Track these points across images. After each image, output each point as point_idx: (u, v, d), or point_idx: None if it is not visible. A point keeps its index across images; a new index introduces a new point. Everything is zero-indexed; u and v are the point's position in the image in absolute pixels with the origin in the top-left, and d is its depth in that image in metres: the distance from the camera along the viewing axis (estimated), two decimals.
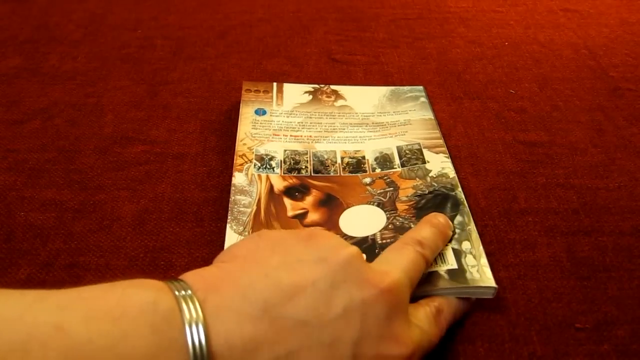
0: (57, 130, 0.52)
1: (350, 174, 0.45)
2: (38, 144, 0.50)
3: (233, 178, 0.44)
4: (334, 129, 0.50)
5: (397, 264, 0.31)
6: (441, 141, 0.48)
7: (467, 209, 0.40)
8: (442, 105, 0.56)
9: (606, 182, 0.47)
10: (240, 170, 0.44)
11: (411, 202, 0.42)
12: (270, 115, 0.51)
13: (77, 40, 0.67)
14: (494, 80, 0.60)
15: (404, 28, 0.71)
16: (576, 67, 0.63)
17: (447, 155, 0.46)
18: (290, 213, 0.41)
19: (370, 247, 0.38)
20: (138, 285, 0.26)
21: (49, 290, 0.24)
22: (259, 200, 0.42)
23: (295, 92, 0.54)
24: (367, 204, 0.42)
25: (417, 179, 0.44)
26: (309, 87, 0.55)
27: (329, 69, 0.62)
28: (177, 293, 0.25)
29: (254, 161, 0.45)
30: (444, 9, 0.75)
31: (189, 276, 0.27)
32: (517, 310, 0.37)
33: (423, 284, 0.34)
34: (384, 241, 0.38)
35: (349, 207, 0.42)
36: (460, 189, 0.42)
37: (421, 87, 0.56)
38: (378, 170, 0.45)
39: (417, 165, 0.45)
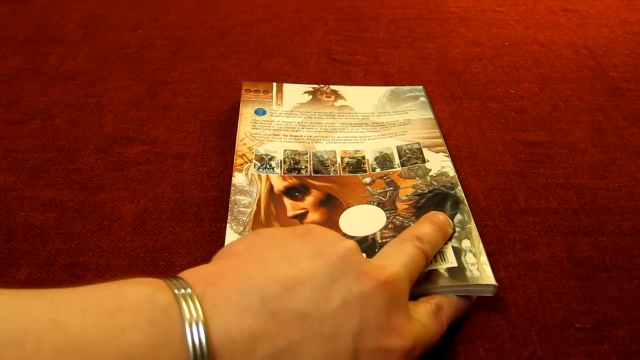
0: (57, 130, 0.52)
1: (350, 174, 0.45)
2: (38, 144, 0.50)
3: (233, 178, 0.44)
4: (333, 129, 0.50)
5: (396, 259, 0.31)
6: (441, 140, 0.48)
7: (467, 207, 0.40)
8: (442, 105, 0.56)
9: (606, 182, 0.47)
10: (240, 170, 0.44)
11: (411, 202, 0.42)
12: (270, 115, 0.51)
13: (77, 40, 0.67)
14: (494, 80, 0.60)
15: (404, 28, 0.71)
16: (576, 67, 0.63)
17: (447, 155, 0.46)
18: (290, 213, 0.41)
19: (370, 247, 0.38)
20: (135, 282, 0.26)
21: (44, 289, 0.24)
22: (259, 200, 0.42)
23: (295, 92, 0.54)
24: (367, 203, 0.42)
25: (417, 179, 0.44)
26: (308, 87, 0.55)
27: (329, 69, 0.62)
28: (176, 291, 0.25)
29: (254, 161, 0.45)
30: (444, 9, 0.75)
31: (187, 274, 0.27)
32: (517, 310, 0.37)
33: (423, 282, 0.34)
34: (384, 240, 0.38)
35: (349, 207, 0.42)
36: (460, 187, 0.43)
37: (421, 87, 0.56)
38: (378, 170, 0.45)
39: (417, 165, 0.45)
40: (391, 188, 0.43)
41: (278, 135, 0.49)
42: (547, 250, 0.41)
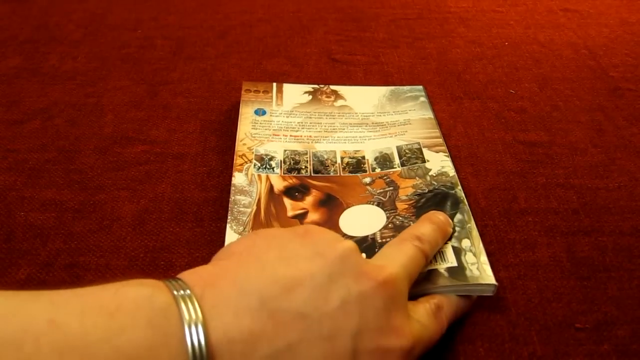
0: (57, 130, 0.52)
1: (350, 174, 0.45)
2: (38, 144, 0.50)
3: (233, 178, 0.44)
4: (333, 129, 0.50)
5: (394, 259, 0.31)
6: (441, 140, 0.48)
7: (467, 207, 0.40)
8: (442, 105, 0.56)
9: (606, 182, 0.47)
10: (240, 170, 0.44)
11: (411, 201, 0.42)
12: (270, 116, 0.51)
13: (77, 40, 0.67)
14: (494, 80, 0.60)
15: (404, 28, 0.71)
16: (576, 67, 0.63)
17: (446, 154, 0.46)
18: (290, 213, 0.41)
19: (370, 246, 0.38)
20: (134, 283, 0.26)
21: (43, 290, 0.24)
22: (259, 200, 0.42)
23: (295, 92, 0.54)
24: (367, 203, 0.42)
25: (417, 178, 0.44)
26: (308, 87, 0.55)
27: (329, 69, 0.62)
28: (175, 292, 0.25)
29: (254, 161, 0.45)
30: (444, 9, 0.75)
31: (186, 275, 0.27)
32: (517, 310, 0.37)
33: (423, 282, 0.34)
34: (384, 240, 0.38)
35: (349, 207, 0.42)
36: (460, 187, 0.43)
37: (421, 87, 0.56)
38: (378, 170, 0.45)
39: (417, 165, 0.45)
40: (391, 188, 0.43)
41: (278, 135, 0.49)
42: (547, 250, 0.41)
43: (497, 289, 0.35)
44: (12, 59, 0.63)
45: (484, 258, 0.36)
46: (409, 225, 0.39)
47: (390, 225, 0.40)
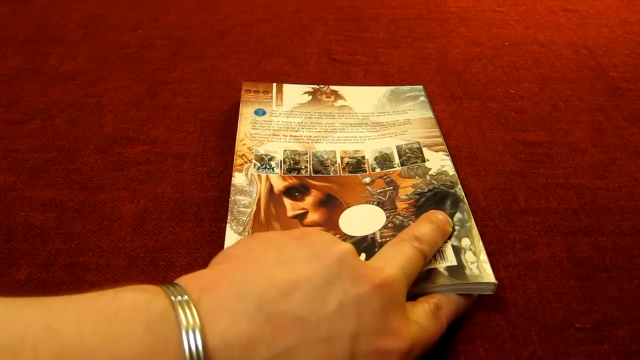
0: (57, 130, 0.52)
1: (350, 174, 0.45)
2: (38, 144, 0.50)
3: (233, 178, 0.44)
4: (333, 129, 0.50)
5: (392, 260, 0.31)
6: (441, 139, 0.48)
7: (466, 206, 0.40)
8: (442, 105, 0.56)
9: (606, 182, 0.47)
10: (240, 171, 0.44)
11: (411, 201, 0.42)
12: (270, 116, 0.51)
13: (77, 40, 0.67)
14: (494, 80, 0.60)
15: (404, 28, 0.71)
16: (576, 67, 0.63)
17: (446, 154, 0.46)
18: (290, 213, 0.41)
19: (369, 246, 0.38)
20: (131, 288, 0.25)
21: (40, 297, 0.24)
22: (259, 200, 0.42)
23: (294, 93, 0.54)
24: (366, 203, 0.42)
25: (417, 178, 0.44)
26: (308, 87, 0.55)
27: (329, 69, 0.62)
28: (173, 298, 0.25)
29: (254, 161, 0.45)
30: (444, 9, 0.75)
31: (184, 280, 0.27)
32: (517, 310, 0.37)
33: (422, 281, 0.34)
34: (384, 240, 0.38)
35: (349, 207, 0.42)
36: (459, 186, 0.43)
37: (421, 87, 0.56)
38: (378, 170, 0.45)
39: (417, 164, 0.45)
40: (391, 187, 0.43)
41: (278, 135, 0.49)
42: (547, 250, 0.41)
43: (497, 288, 0.35)
44: (12, 59, 0.63)
45: (483, 257, 0.36)
46: (409, 224, 0.39)
47: (390, 225, 0.40)
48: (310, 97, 0.54)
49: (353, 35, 0.69)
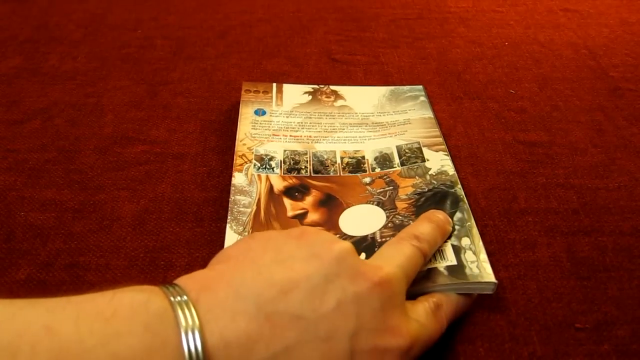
0: (57, 130, 0.52)
1: (350, 174, 0.45)
2: (38, 144, 0.50)
3: (233, 178, 0.44)
4: (333, 129, 0.50)
5: (391, 259, 0.31)
6: (440, 139, 0.48)
7: (466, 205, 0.40)
8: (442, 105, 0.56)
9: (606, 182, 0.47)
10: (240, 171, 0.44)
11: (411, 200, 0.42)
12: (270, 116, 0.51)
13: (77, 40, 0.67)
14: (494, 80, 0.60)
15: (404, 28, 0.71)
16: (576, 67, 0.63)
17: (446, 153, 0.46)
18: (290, 213, 0.41)
19: (369, 246, 0.38)
20: (130, 289, 0.26)
21: (38, 298, 0.24)
22: (259, 200, 0.42)
23: (294, 93, 0.54)
24: (366, 203, 0.42)
25: (417, 178, 0.44)
26: (308, 87, 0.55)
27: (329, 69, 0.62)
28: (172, 299, 0.25)
29: (254, 161, 0.45)
30: (444, 9, 0.75)
31: (183, 280, 0.27)
32: (517, 310, 0.37)
33: (422, 281, 0.34)
34: (384, 239, 0.38)
35: (349, 207, 0.42)
36: (459, 186, 0.43)
37: (420, 87, 0.56)
38: (378, 170, 0.45)
39: (417, 164, 0.45)
40: (391, 187, 0.43)
41: (278, 135, 0.49)
42: (547, 250, 0.41)
43: (497, 288, 0.35)
44: (12, 59, 0.63)
45: (483, 256, 0.36)
46: (409, 224, 0.39)
47: (390, 225, 0.40)
48: (310, 97, 0.54)
49: (353, 35, 0.69)
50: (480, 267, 0.35)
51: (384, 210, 0.41)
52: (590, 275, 0.39)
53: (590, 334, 0.35)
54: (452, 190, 0.42)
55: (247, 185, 0.43)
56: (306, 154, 0.47)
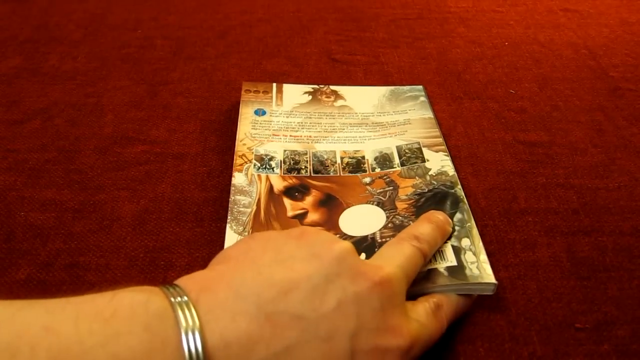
0: (57, 130, 0.52)
1: (350, 174, 0.45)
2: (38, 144, 0.50)
3: (233, 178, 0.44)
4: (333, 129, 0.50)
5: (392, 259, 0.31)
6: (441, 140, 0.48)
7: (466, 206, 0.40)
8: (442, 105, 0.56)
9: (606, 182, 0.47)
10: (240, 171, 0.44)
11: (411, 201, 0.42)
12: (270, 116, 0.51)
13: (77, 40, 0.67)
14: (494, 80, 0.60)
15: (404, 28, 0.71)
16: (576, 67, 0.63)
17: (446, 154, 0.46)
18: (290, 213, 0.41)
19: (369, 246, 0.38)
20: (129, 289, 0.26)
21: (38, 299, 0.24)
22: (259, 200, 0.42)
23: (294, 93, 0.54)
24: (366, 203, 0.42)
25: (417, 178, 0.44)
26: (308, 87, 0.55)
27: (329, 69, 0.62)
28: (172, 299, 0.25)
29: (254, 161, 0.45)
30: (444, 9, 0.75)
31: (183, 280, 0.27)
32: (517, 310, 0.37)
33: (422, 281, 0.34)
34: (384, 240, 0.38)
35: (349, 207, 0.42)
36: (459, 186, 0.43)
37: (420, 87, 0.56)
38: (378, 170, 0.45)
39: (417, 164, 0.45)
40: (391, 188, 0.43)
41: (278, 135, 0.49)
42: (547, 250, 0.41)
43: (497, 288, 0.35)
44: (12, 59, 0.63)
45: (483, 257, 0.36)
46: (409, 224, 0.39)
47: (390, 225, 0.40)
48: (310, 97, 0.54)
49: (353, 35, 0.69)
50: (481, 268, 0.35)
51: (384, 210, 0.41)
52: (590, 275, 0.39)
53: (590, 334, 0.35)
54: (452, 190, 0.42)
55: (247, 185, 0.43)
56: (306, 154, 0.47)
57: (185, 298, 0.25)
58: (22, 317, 0.22)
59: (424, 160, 0.46)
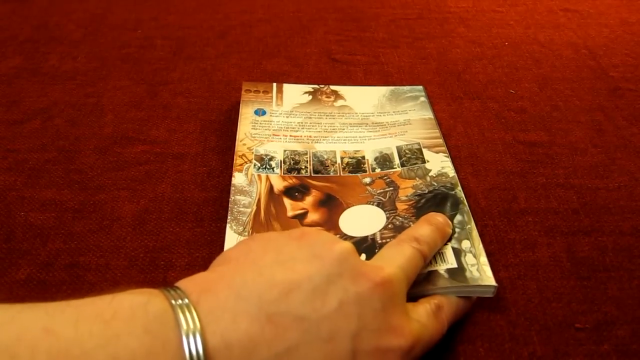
0: (57, 130, 0.52)
1: (350, 174, 0.45)
2: (38, 144, 0.50)
3: (233, 178, 0.44)
4: (333, 129, 0.50)
5: (392, 260, 0.31)
6: (441, 140, 0.48)
7: (466, 207, 0.40)
8: (442, 105, 0.56)
9: (606, 182, 0.47)
10: (240, 171, 0.44)
11: (411, 202, 0.42)
12: (270, 116, 0.51)
13: (77, 40, 0.67)
14: (494, 80, 0.60)
15: (404, 28, 0.71)
16: (576, 67, 0.63)
17: (446, 155, 0.46)
18: (290, 213, 0.41)
19: (370, 247, 0.38)
20: (130, 292, 0.25)
21: (38, 302, 0.24)
22: (259, 200, 0.42)
23: (294, 93, 0.54)
24: (367, 203, 0.42)
25: (417, 179, 0.44)
26: (308, 87, 0.55)
27: (329, 69, 0.62)
28: (173, 302, 0.25)
29: (254, 161, 0.45)
30: (444, 9, 0.75)
31: (183, 282, 0.27)
32: (517, 310, 0.37)
33: (423, 283, 0.34)
34: (384, 241, 0.38)
35: (349, 207, 0.42)
36: (460, 188, 0.43)
37: (421, 87, 0.56)
38: (378, 170, 0.45)
39: (417, 165, 0.45)
40: (391, 188, 0.43)
41: (278, 135, 0.49)
42: (547, 250, 0.41)
43: (497, 289, 0.35)
44: (12, 59, 0.63)
45: (483, 259, 0.36)
46: (409, 225, 0.39)
47: (390, 226, 0.40)
48: (310, 97, 0.54)
49: (353, 35, 0.69)
50: (481, 270, 0.35)
51: (384, 211, 0.41)
52: (590, 275, 0.39)
53: (590, 334, 0.35)
54: (453, 192, 0.42)
55: (247, 185, 0.43)
56: (306, 154, 0.47)
57: (186, 300, 0.25)
58: (22, 320, 0.22)
59: (424, 161, 0.46)
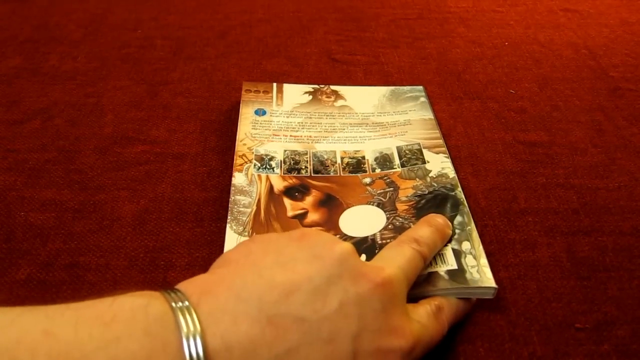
0: (57, 130, 0.52)
1: (350, 174, 0.45)
2: (38, 144, 0.50)
3: (233, 178, 0.44)
4: (333, 129, 0.50)
5: (392, 260, 0.31)
6: (441, 141, 0.48)
7: (467, 209, 0.40)
8: (442, 105, 0.56)
9: (606, 182, 0.47)
10: (240, 171, 0.44)
11: (411, 202, 0.42)
12: (270, 116, 0.51)
13: (77, 40, 0.67)
14: (494, 80, 0.60)
15: (404, 28, 0.71)
16: (576, 67, 0.63)
17: (447, 155, 0.46)
18: (290, 213, 0.41)
19: (370, 247, 0.38)
20: (130, 294, 0.25)
21: (37, 305, 0.24)
22: (259, 200, 0.42)
23: (295, 93, 0.54)
24: (367, 204, 0.42)
25: (417, 179, 0.44)
26: (308, 87, 0.55)
27: (329, 69, 0.62)
28: (173, 304, 0.25)
29: (254, 161, 0.45)
30: (444, 9, 0.75)
31: (183, 285, 0.27)
32: (517, 310, 0.37)
33: (423, 284, 0.34)
34: (384, 241, 0.38)
35: (349, 207, 0.42)
36: (460, 189, 0.43)
37: (421, 87, 0.56)
38: (378, 171, 0.45)
39: (417, 166, 0.45)
40: (391, 189, 0.43)
41: (278, 135, 0.49)
42: (547, 250, 0.41)
43: (497, 290, 0.35)
44: (12, 59, 0.63)
45: (484, 261, 0.36)
46: (409, 226, 0.39)
47: (390, 226, 0.40)
48: (311, 97, 0.54)
49: (353, 35, 0.69)
50: (481, 272, 0.35)
51: (384, 211, 0.41)
52: (590, 275, 0.39)
53: (590, 334, 0.35)
54: (453, 193, 0.42)
55: (247, 185, 0.43)
56: (306, 154, 0.47)
57: (186, 303, 0.25)
58: (22, 322, 0.22)
59: (424, 162, 0.46)
